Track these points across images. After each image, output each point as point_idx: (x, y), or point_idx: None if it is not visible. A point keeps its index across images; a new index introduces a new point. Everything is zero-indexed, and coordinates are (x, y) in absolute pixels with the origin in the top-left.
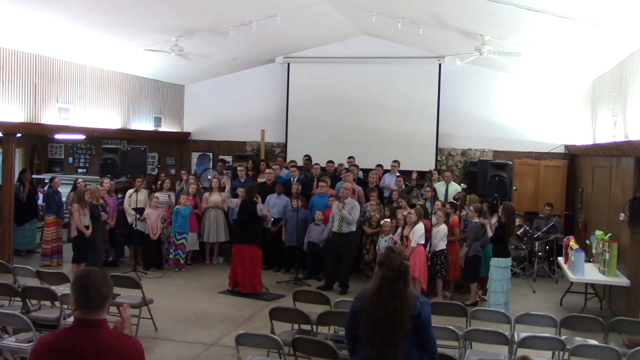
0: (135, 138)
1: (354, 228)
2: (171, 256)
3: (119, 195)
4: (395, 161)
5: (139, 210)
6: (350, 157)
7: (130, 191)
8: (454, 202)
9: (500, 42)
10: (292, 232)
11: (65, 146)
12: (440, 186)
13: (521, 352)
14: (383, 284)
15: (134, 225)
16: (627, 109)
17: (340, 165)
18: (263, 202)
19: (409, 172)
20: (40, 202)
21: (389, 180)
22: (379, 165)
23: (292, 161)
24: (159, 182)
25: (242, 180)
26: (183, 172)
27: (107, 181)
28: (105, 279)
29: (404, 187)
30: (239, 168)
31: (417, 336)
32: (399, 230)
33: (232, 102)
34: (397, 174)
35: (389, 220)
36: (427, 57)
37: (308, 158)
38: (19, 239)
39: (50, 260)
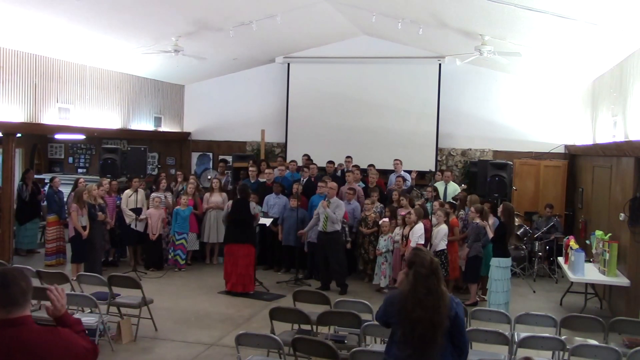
0: (135, 138)
1: (338, 227)
2: (170, 256)
3: (120, 195)
4: (397, 160)
5: (137, 211)
6: (348, 157)
7: (128, 192)
8: (453, 202)
9: (500, 42)
10: (290, 231)
11: (65, 146)
12: (439, 186)
13: (521, 352)
14: (417, 283)
15: (132, 226)
16: (627, 109)
17: (340, 165)
18: (262, 202)
19: (408, 173)
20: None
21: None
22: (371, 165)
23: (292, 161)
24: (157, 182)
25: (252, 181)
26: (179, 173)
27: (106, 182)
28: (22, 274)
29: (403, 186)
30: (250, 168)
31: (452, 336)
32: (397, 230)
33: (232, 102)
34: (401, 172)
35: (387, 219)
36: (427, 57)
37: (308, 157)
38: (21, 238)
39: (54, 259)
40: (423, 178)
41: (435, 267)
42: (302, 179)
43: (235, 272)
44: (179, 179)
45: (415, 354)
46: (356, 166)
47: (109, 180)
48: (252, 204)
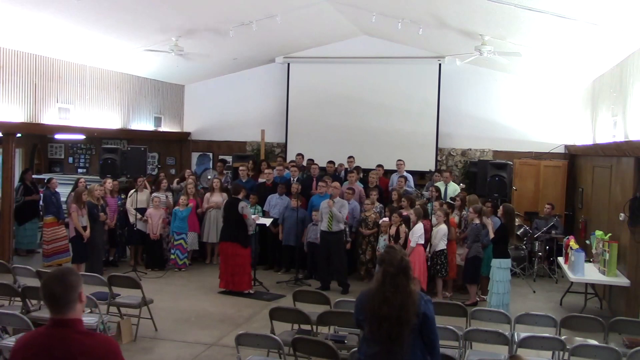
0: (135, 138)
1: (342, 227)
2: (172, 257)
3: (122, 196)
4: (400, 160)
5: (141, 211)
6: (350, 157)
7: (132, 191)
8: (451, 202)
9: (500, 42)
10: (290, 231)
11: (65, 146)
12: (439, 186)
13: (521, 352)
14: (385, 281)
15: (135, 225)
16: (627, 109)
17: (341, 165)
18: (263, 202)
19: (408, 172)
20: (40, 202)
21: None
22: (380, 166)
23: (292, 161)
24: (158, 182)
25: (244, 181)
26: (188, 171)
27: (109, 181)
28: (63, 280)
29: (405, 187)
30: (240, 168)
31: (421, 334)
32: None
33: (232, 102)
34: (404, 173)
35: (387, 219)
36: (427, 57)
37: (301, 157)
38: (20, 238)
39: (51, 260)
40: (423, 178)
41: (404, 266)
42: (292, 178)
43: (227, 271)
44: (188, 179)
45: (383, 351)
46: (357, 167)
47: (111, 180)
48: (242, 204)
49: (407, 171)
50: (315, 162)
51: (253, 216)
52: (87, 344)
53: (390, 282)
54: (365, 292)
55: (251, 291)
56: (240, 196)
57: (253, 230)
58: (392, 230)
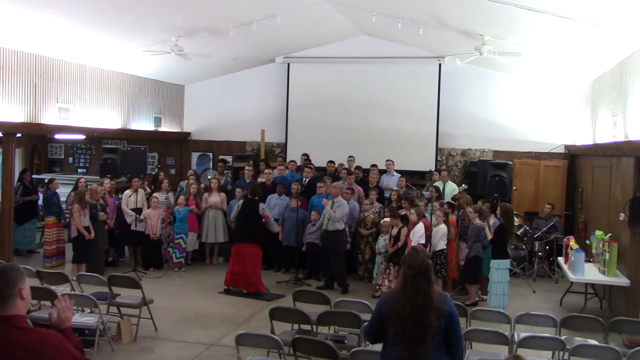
0: (135, 138)
1: (340, 226)
2: (169, 251)
3: (119, 196)
4: (389, 160)
5: (137, 211)
6: (350, 157)
7: (128, 192)
8: (452, 202)
9: (500, 42)
10: (290, 232)
11: (65, 146)
12: (437, 185)
13: (521, 352)
14: (406, 282)
15: (132, 226)
16: (627, 109)
17: (341, 165)
18: (263, 202)
19: (408, 172)
20: (39, 202)
21: (387, 181)
22: (374, 165)
23: (292, 161)
24: (159, 182)
25: (248, 181)
26: (191, 171)
27: (107, 181)
28: (4, 275)
29: (405, 187)
30: (246, 168)
31: (446, 336)
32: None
33: (232, 102)
34: (394, 173)
35: (387, 219)
36: (427, 57)
37: (307, 157)
38: (19, 238)
39: (52, 261)
40: (423, 178)
41: (424, 269)
42: (304, 178)
43: (243, 272)
44: (191, 180)
45: (407, 355)
46: (357, 167)
47: (110, 180)
48: (262, 205)
49: (408, 171)
50: (312, 162)
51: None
52: (27, 339)
53: (411, 283)
54: (389, 293)
55: (262, 291)
56: (237, 196)
57: (275, 231)
58: (394, 231)
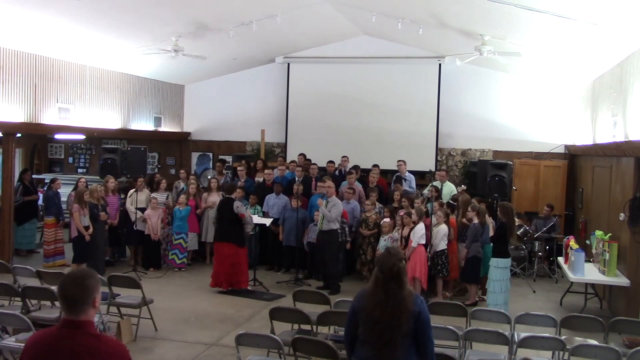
0: (135, 138)
1: (334, 226)
2: (170, 257)
3: (122, 196)
4: (400, 161)
5: (141, 211)
6: (344, 157)
7: (131, 191)
8: (452, 202)
9: (500, 42)
10: (291, 232)
11: (65, 146)
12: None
13: (521, 352)
14: (377, 285)
15: (135, 225)
16: (627, 109)
17: (340, 165)
18: (262, 202)
19: (408, 172)
20: (40, 202)
21: (409, 185)
22: (375, 165)
23: (292, 161)
24: (157, 183)
25: (242, 180)
26: (182, 171)
27: (112, 180)
28: (82, 283)
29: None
30: (239, 168)
31: (416, 336)
32: (396, 230)
33: (232, 102)
34: (406, 174)
35: (388, 219)
36: (427, 57)
37: (304, 157)
38: (19, 238)
39: (52, 261)
40: (423, 178)
41: (396, 273)
42: (297, 178)
43: (222, 271)
44: (182, 176)
45: (375, 354)
46: (356, 166)
47: (112, 179)
48: (237, 203)
49: (408, 171)
50: (313, 161)
51: (253, 216)
52: (94, 345)
53: (382, 288)
54: (361, 292)
55: (249, 288)
56: (234, 196)
57: (252, 231)
58: (405, 232)
